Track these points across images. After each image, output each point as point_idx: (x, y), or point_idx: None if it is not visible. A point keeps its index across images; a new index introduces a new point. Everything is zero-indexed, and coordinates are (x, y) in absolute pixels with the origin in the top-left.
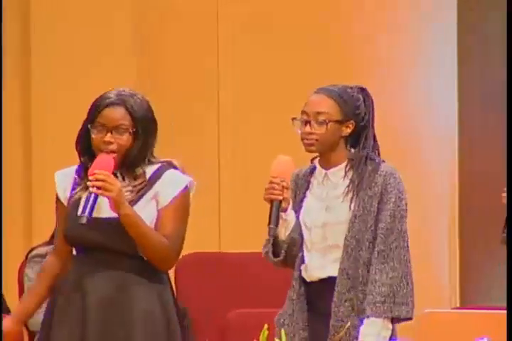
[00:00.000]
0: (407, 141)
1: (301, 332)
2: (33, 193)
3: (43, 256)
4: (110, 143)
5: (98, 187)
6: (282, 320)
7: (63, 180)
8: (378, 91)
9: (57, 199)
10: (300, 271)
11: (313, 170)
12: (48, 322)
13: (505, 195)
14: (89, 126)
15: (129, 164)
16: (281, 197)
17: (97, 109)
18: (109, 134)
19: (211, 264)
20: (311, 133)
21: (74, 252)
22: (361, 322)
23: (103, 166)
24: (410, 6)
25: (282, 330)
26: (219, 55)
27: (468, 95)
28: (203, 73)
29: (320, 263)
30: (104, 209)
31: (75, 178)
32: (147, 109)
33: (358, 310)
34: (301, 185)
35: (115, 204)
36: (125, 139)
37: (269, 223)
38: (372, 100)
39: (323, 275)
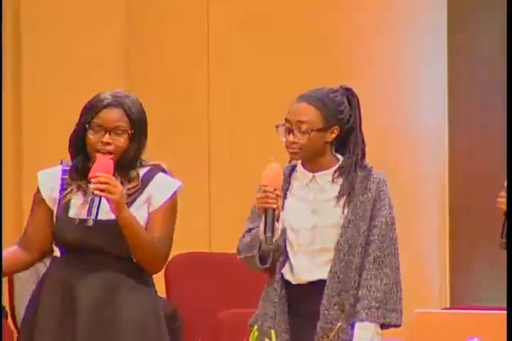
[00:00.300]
0: (397, 141)
1: (283, 335)
2: (23, 193)
3: None
4: (108, 143)
5: (101, 190)
6: (260, 323)
7: (49, 179)
8: (369, 91)
9: (39, 198)
10: (281, 273)
11: (291, 171)
12: (31, 317)
13: (500, 200)
14: (86, 126)
15: (124, 166)
16: (275, 206)
17: (93, 110)
18: (107, 135)
19: (202, 264)
20: (294, 143)
21: (57, 253)
22: (351, 326)
23: (104, 169)
24: (404, 6)
25: (272, 331)
26: (209, 54)
27: (459, 96)
28: (193, 73)
29: (309, 266)
30: (101, 211)
31: (64, 179)
32: (141, 111)
33: (347, 314)
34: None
35: (117, 207)
36: (123, 141)
37: (265, 232)
38: (358, 100)
39: (313, 278)
